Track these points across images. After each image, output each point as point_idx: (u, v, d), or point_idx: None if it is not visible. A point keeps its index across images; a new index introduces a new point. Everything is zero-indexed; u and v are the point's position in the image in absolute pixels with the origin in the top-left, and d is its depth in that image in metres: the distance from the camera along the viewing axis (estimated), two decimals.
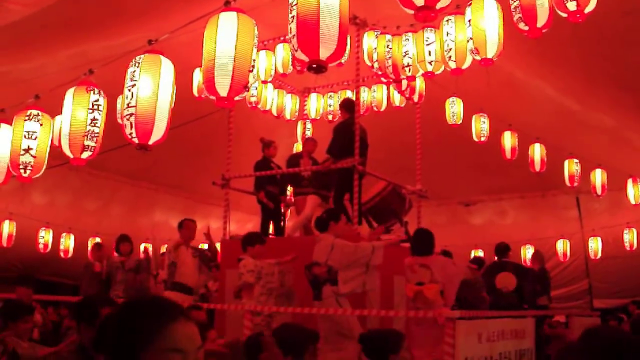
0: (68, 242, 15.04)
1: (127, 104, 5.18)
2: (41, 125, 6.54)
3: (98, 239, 14.55)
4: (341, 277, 7.32)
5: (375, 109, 11.34)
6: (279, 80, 11.37)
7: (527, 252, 15.44)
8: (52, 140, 6.77)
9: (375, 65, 8.73)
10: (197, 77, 9.89)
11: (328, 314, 7.07)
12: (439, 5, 4.36)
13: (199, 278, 9.31)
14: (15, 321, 5.67)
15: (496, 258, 10.82)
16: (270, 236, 10.15)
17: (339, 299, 7.26)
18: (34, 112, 6.54)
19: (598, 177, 12.27)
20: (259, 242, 7.97)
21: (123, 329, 1.62)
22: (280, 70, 10.08)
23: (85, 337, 4.02)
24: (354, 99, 9.70)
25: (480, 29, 6.22)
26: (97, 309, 4.11)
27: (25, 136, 6.47)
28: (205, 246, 9.78)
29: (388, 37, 8.40)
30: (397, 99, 10.82)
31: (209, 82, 4.80)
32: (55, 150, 6.81)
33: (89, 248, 12.98)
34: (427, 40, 7.68)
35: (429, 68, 7.72)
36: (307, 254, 7.70)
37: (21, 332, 5.68)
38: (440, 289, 7.27)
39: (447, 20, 7.00)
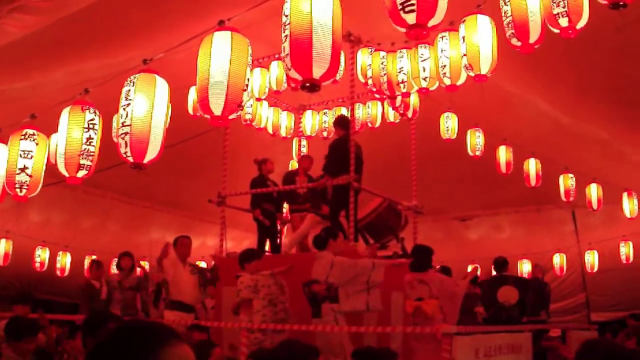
0: (64, 261, 15.04)
1: (122, 123, 5.20)
2: (37, 144, 6.54)
3: (94, 257, 14.53)
4: (342, 293, 7.31)
5: (370, 125, 11.38)
6: (274, 98, 11.40)
7: (524, 267, 15.52)
8: (47, 159, 6.78)
9: (370, 82, 8.76)
10: (192, 95, 9.91)
11: (323, 331, 7.06)
12: (430, 23, 4.37)
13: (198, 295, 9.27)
14: (18, 341, 5.66)
15: (494, 272, 10.82)
16: (267, 253, 10.15)
17: (337, 316, 7.25)
18: (30, 131, 6.54)
19: (593, 191, 12.29)
20: (256, 258, 7.92)
21: (118, 355, 1.61)
22: (275, 88, 10.10)
23: None
24: (348, 115, 9.73)
25: (474, 45, 6.24)
26: (104, 324, 4.15)
27: (21, 155, 6.47)
28: (203, 264, 9.74)
29: (382, 53, 8.44)
30: (391, 115, 10.86)
31: (203, 101, 4.82)
32: (50, 168, 6.81)
33: (86, 266, 12.96)
34: (421, 57, 7.70)
35: (424, 84, 7.74)
36: (303, 271, 7.70)
37: (22, 352, 5.68)
38: (440, 304, 7.27)
39: (442, 37, 7.03)
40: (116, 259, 11.36)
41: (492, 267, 10.92)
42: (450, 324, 7.33)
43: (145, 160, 5.20)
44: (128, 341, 1.62)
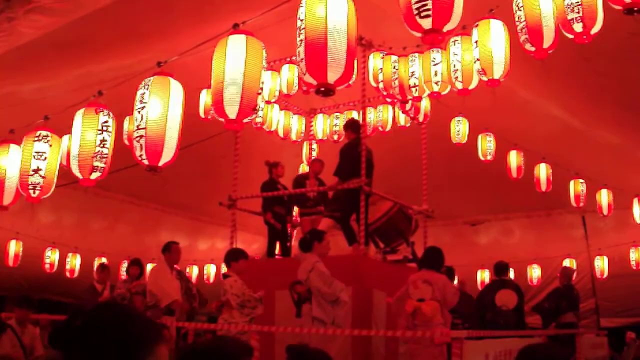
0: (74, 262, 15.06)
1: (137, 126, 5.21)
2: (50, 146, 6.58)
3: (104, 259, 14.57)
4: (315, 301, 7.32)
5: (381, 129, 11.37)
6: (285, 101, 11.39)
7: (533, 272, 15.48)
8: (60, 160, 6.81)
9: (381, 85, 8.75)
10: (204, 98, 9.93)
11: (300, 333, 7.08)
12: (446, 28, 4.35)
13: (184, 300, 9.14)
14: None
15: (495, 276, 10.82)
16: (277, 257, 10.17)
17: (313, 319, 7.23)
18: (44, 133, 6.58)
19: (604, 196, 12.26)
20: (243, 258, 7.91)
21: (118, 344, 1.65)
22: (285, 91, 10.10)
23: None
24: (359, 119, 9.72)
25: (487, 50, 6.24)
26: None
27: (34, 157, 6.52)
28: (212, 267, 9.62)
29: (394, 57, 8.44)
30: (402, 119, 10.83)
31: (218, 104, 4.82)
32: (62, 169, 6.84)
33: (95, 268, 13.01)
34: (433, 61, 7.70)
35: (436, 88, 7.75)
36: None
37: None
38: (440, 307, 7.26)
39: (454, 41, 7.02)
40: (126, 262, 11.40)
41: (493, 271, 10.93)
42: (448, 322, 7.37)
43: (161, 163, 5.22)
44: (131, 335, 1.70)
